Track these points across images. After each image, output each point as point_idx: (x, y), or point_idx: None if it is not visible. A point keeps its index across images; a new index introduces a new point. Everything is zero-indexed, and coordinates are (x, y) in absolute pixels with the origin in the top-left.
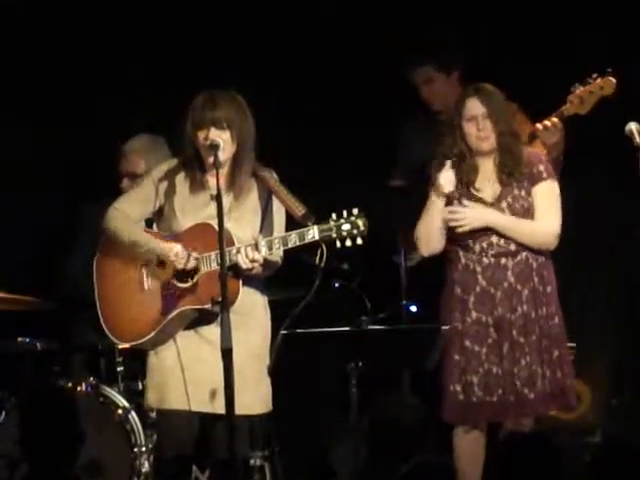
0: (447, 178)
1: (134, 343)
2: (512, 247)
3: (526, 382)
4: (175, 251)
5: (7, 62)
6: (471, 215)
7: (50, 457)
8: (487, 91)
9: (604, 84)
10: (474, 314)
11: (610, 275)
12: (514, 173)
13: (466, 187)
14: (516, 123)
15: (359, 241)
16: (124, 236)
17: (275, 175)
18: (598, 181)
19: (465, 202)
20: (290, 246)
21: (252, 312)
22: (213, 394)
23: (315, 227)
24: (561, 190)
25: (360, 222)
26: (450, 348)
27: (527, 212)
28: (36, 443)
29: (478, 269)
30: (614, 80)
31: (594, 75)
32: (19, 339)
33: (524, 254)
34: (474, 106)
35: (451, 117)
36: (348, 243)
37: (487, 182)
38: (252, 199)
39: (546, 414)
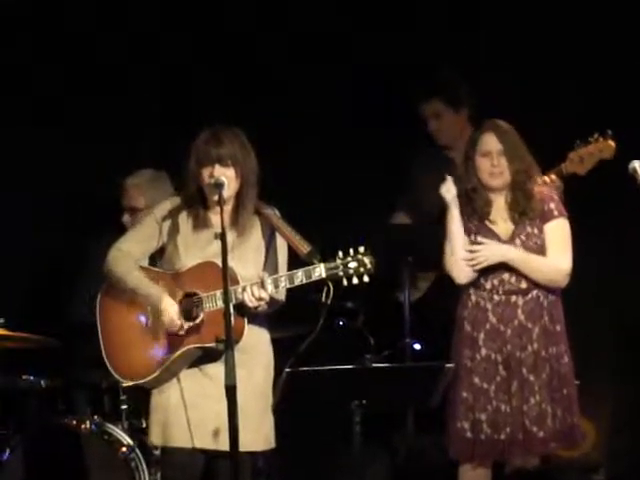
0: (447, 187)
1: (138, 382)
2: (523, 285)
3: (535, 420)
4: (169, 317)
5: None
6: (488, 252)
7: None
8: (504, 128)
9: (604, 147)
10: (483, 351)
11: (615, 314)
12: (526, 211)
13: (480, 220)
14: (531, 161)
15: (366, 279)
16: (124, 280)
17: (278, 212)
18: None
19: (480, 239)
20: (296, 284)
21: (256, 350)
22: (217, 431)
23: (322, 265)
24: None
25: (367, 260)
26: (458, 385)
27: (540, 249)
28: None
29: (488, 306)
30: (614, 144)
31: (595, 135)
32: (23, 377)
33: (535, 292)
34: (490, 141)
35: (466, 150)
36: (355, 281)
37: (500, 218)
38: (255, 237)
39: (554, 452)
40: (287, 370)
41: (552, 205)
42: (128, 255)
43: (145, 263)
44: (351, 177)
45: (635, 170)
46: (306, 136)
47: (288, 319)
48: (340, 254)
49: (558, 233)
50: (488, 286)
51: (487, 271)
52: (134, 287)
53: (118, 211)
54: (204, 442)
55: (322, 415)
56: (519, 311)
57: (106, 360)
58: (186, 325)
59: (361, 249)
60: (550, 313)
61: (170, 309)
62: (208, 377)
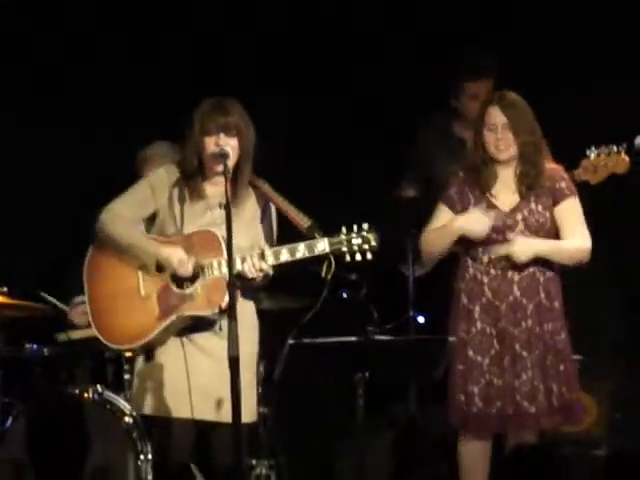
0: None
1: (127, 347)
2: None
3: (526, 396)
4: (179, 257)
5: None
6: (519, 249)
7: (56, 464)
8: (510, 100)
9: (619, 162)
10: (479, 324)
11: (621, 290)
12: (535, 185)
13: (482, 193)
14: (540, 134)
15: (369, 256)
16: (121, 239)
17: (268, 185)
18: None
19: (510, 235)
20: (298, 257)
21: (243, 322)
22: (210, 402)
23: (326, 239)
24: None
25: (371, 237)
26: (455, 357)
27: (542, 227)
28: (43, 449)
29: (485, 280)
30: (628, 160)
31: (611, 145)
32: (26, 345)
33: (531, 269)
34: (495, 115)
35: (475, 124)
36: (358, 257)
37: (505, 191)
38: (250, 209)
39: (552, 428)
40: (290, 342)
41: (563, 184)
42: (120, 216)
43: (138, 226)
44: (358, 148)
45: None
46: (315, 106)
47: (291, 290)
48: (344, 230)
49: (573, 213)
50: (485, 260)
51: (485, 245)
52: (129, 243)
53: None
54: (203, 413)
55: (325, 387)
56: (515, 287)
57: (93, 324)
58: (178, 294)
59: (365, 226)
60: (547, 289)
61: (174, 253)
62: (202, 348)
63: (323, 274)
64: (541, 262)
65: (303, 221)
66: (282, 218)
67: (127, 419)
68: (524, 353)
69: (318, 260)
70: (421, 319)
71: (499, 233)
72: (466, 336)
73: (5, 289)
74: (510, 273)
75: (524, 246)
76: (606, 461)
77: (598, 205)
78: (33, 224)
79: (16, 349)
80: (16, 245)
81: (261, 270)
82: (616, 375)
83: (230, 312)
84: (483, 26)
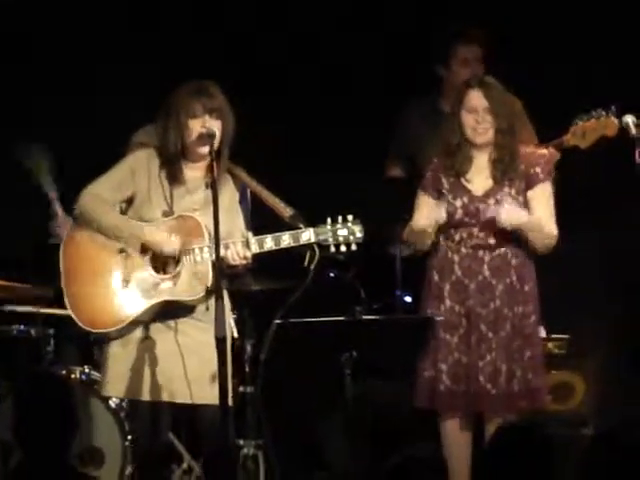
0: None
1: (103, 331)
2: (491, 240)
3: (489, 378)
4: (164, 236)
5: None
6: (506, 216)
7: (44, 444)
8: (491, 85)
9: (608, 124)
10: (448, 302)
11: (608, 268)
12: (508, 170)
13: (456, 176)
14: (517, 120)
15: (353, 247)
16: (102, 220)
17: (246, 173)
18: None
19: (499, 197)
20: (282, 246)
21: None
22: (183, 384)
23: (311, 230)
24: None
25: (357, 229)
26: (425, 335)
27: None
28: (30, 430)
29: (455, 258)
30: (617, 122)
31: (599, 110)
32: (13, 326)
33: (503, 249)
34: (476, 98)
35: (452, 105)
36: (342, 248)
37: (479, 175)
38: (227, 195)
39: (512, 413)
40: (276, 322)
41: (538, 169)
42: (99, 197)
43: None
44: (344, 131)
45: (628, 124)
46: (303, 83)
47: (278, 271)
48: (329, 220)
49: (544, 199)
50: (457, 238)
51: (458, 225)
52: (111, 225)
53: None
54: (161, 395)
55: (312, 367)
56: (485, 267)
57: (69, 307)
58: (160, 277)
59: (350, 217)
60: (519, 272)
61: (158, 232)
62: (177, 332)
63: (306, 263)
64: (514, 243)
65: (285, 210)
66: (261, 205)
67: (114, 399)
68: (490, 334)
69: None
70: (408, 298)
71: (472, 217)
72: (438, 316)
73: None
74: (481, 252)
75: (512, 213)
76: (593, 440)
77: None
78: (21, 206)
79: (3, 329)
80: (4, 227)
81: (244, 258)
82: (603, 353)
83: (217, 292)
84: None
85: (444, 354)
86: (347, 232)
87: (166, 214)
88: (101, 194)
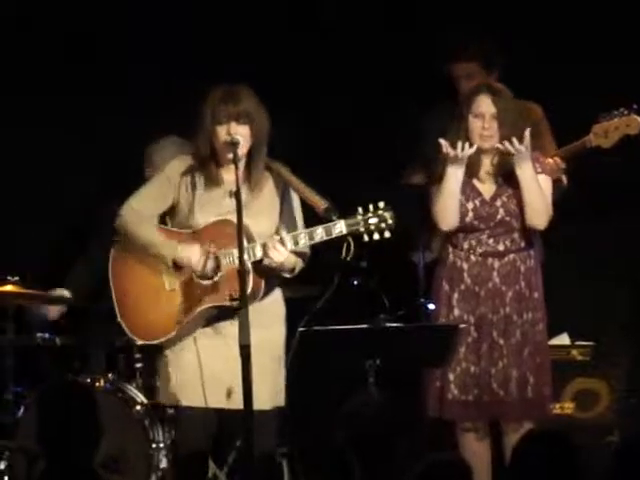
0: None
1: (156, 341)
2: (500, 247)
3: (501, 384)
4: (196, 259)
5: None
6: (518, 156)
7: (68, 453)
8: (499, 91)
9: (630, 122)
10: (457, 311)
11: (632, 274)
12: (512, 176)
13: (469, 177)
14: (527, 127)
15: (387, 234)
16: (138, 237)
17: (288, 169)
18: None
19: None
20: (316, 240)
21: (271, 309)
22: (230, 390)
23: (342, 221)
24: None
25: (387, 215)
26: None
27: (521, 213)
28: (54, 439)
29: (465, 266)
30: (639, 119)
31: (621, 109)
32: (38, 334)
33: (512, 256)
34: (484, 103)
35: (459, 108)
36: (376, 237)
37: (488, 179)
38: (268, 193)
39: (528, 420)
40: (301, 330)
41: (537, 165)
42: (140, 213)
43: (156, 222)
44: (364, 136)
45: None
46: (322, 95)
47: (302, 279)
48: (360, 210)
49: (543, 183)
50: (466, 246)
51: (466, 231)
52: (147, 243)
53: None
54: (218, 402)
55: (336, 374)
56: (494, 273)
57: (121, 321)
58: (201, 286)
59: (381, 204)
60: (527, 279)
61: (190, 252)
62: (224, 336)
63: (343, 255)
64: (523, 250)
65: (320, 203)
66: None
67: (138, 408)
68: (501, 341)
69: (333, 245)
70: (431, 306)
71: (481, 221)
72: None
73: (17, 278)
74: (490, 260)
75: (524, 158)
76: (619, 447)
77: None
78: (45, 214)
79: (28, 338)
80: (28, 234)
81: (282, 255)
82: (627, 360)
83: (241, 300)
84: None
85: (452, 364)
86: (378, 220)
87: (207, 219)
88: (139, 208)
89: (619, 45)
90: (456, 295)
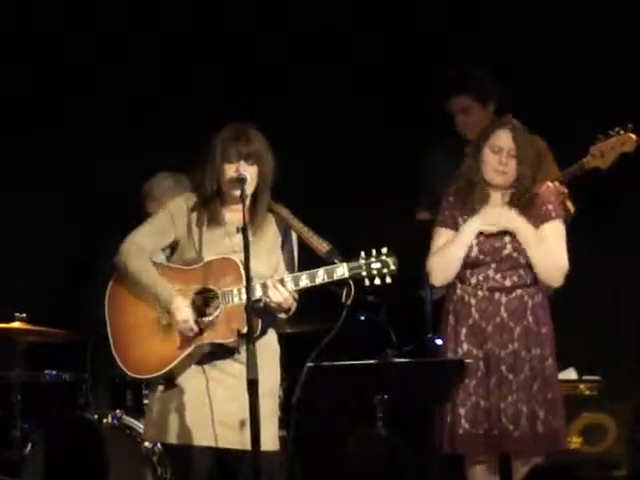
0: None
1: (148, 376)
2: (507, 283)
3: (511, 419)
4: (184, 317)
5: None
6: (496, 215)
7: None
8: (519, 128)
9: (625, 140)
10: (465, 346)
11: (635, 306)
12: (524, 213)
13: (473, 213)
14: (539, 162)
15: (388, 280)
16: (137, 275)
17: (289, 212)
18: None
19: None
20: (317, 283)
21: (265, 349)
22: (234, 429)
23: (345, 264)
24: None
25: (390, 261)
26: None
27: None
28: (62, 475)
29: (472, 301)
30: (634, 137)
31: (616, 128)
32: (46, 371)
33: (519, 291)
34: (504, 138)
35: (476, 141)
36: (377, 282)
37: None
38: (270, 234)
39: (538, 455)
40: (309, 365)
41: (550, 207)
42: (141, 248)
43: (160, 258)
44: (374, 172)
45: None
46: (330, 129)
47: (309, 313)
48: (363, 254)
49: (556, 234)
50: (473, 281)
51: (473, 266)
52: (146, 284)
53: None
54: (226, 441)
55: (344, 409)
56: (502, 309)
57: (115, 354)
58: (200, 323)
59: (384, 250)
60: (535, 314)
61: (182, 310)
62: (221, 375)
63: (343, 299)
64: (530, 285)
65: (322, 246)
66: (302, 242)
67: (146, 444)
68: (510, 376)
69: (338, 284)
70: (439, 341)
71: (487, 255)
72: (453, 357)
73: (24, 315)
74: (497, 295)
75: (507, 216)
76: None
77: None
78: (52, 251)
79: (35, 375)
80: (34, 272)
81: (282, 296)
82: (634, 394)
83: (249, 335)
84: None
85: (462, 398)
86: (380, 265)
87: (207, 256)
88: (141, 243)
89: (613, 66)
90: (464, 330)
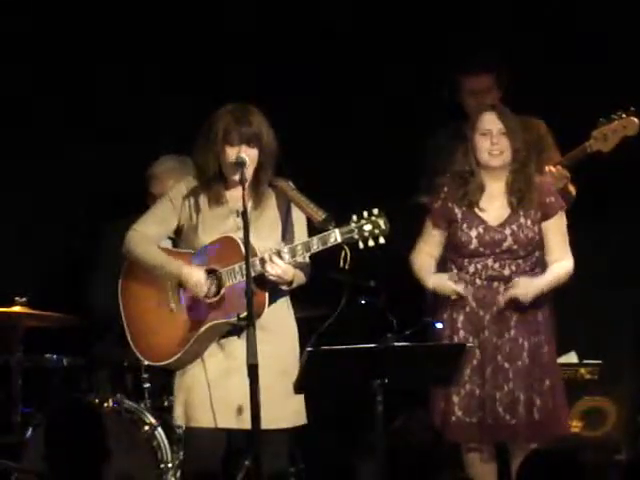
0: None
1: (165, 363)
2: (506, 272)
3: (507, 408)
4: (196, 279)
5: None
6: (523, 291)
7: (77, 473)
8: (504, 109)
9: (627, 124)
10: (461, 333)
11: (634, 293)
12: (524, 199)
13: (469, 206)
14: (536, 144)
15: (381, 240)
16: (144, 259)
17: (292, 184)
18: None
19: (515, 280)
20: (313, 251)
21: (281, 327)
22: (240, 410)
23: (337, 230)
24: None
25: (381, 221)
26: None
27: (530, 242)
28: (63, 459)
29: (470, 290)
30: (637, 120)
31: (618, 112)
32: (46, 355)
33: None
34: (490, 120)
35: (465, 131)
36: (371, 243)
37: (492, 204)
38: (271, 210)
39: (535, 443)
40: (308, 349)
41: (552, 198)
42: (145, 236)
43: (164, 244)
44: (371, 156)
45: None
46: (327, 114)
47: (310, 299)
48: (354, 217)
49: (560, 230)
50: (471, 270)
51: (472, 256)
52: (153, 265)
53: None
54: (227, 421)
55: (344, 394)
56: (499, 297)
57: (132, 344)
58: (205, 303)
59: (375, 211)
60: (533, 302)
61: (193, 274)
62: (231, 355)
63: (341, 264)
64: (527, 273)
65: (318, 214)
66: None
67: (147, 427)
68: (506, 364)
69: (338, 271)
70: (439, 325)
71: (487, 247)
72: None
73: (25, 299)
74: (496, 284)
75: (528, 287)
76: (626, 466)
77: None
78: (52, 234)
79: (36, 359)
80: (35, 256)
81: (280, 268)
82: (635, 378)
83: (249, 319)
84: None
85: (456, 386)
86: (372, 226)
87: (210, 238)
88: (146, 231)
89: (616, 48)
90: (461, 317)
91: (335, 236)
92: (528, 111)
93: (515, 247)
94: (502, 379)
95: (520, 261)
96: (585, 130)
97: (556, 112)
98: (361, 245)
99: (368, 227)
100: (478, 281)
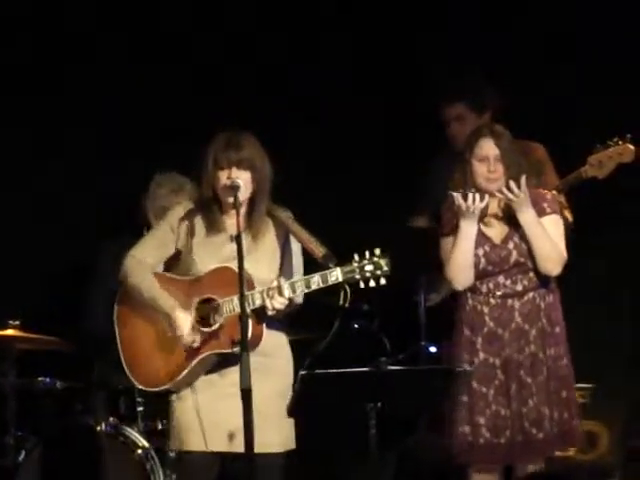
0: (471, 200)
1: (159, 389)
2: (519, 287)
3: (534, 422)
4: (182, 332)
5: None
6: (521, 197)
7: None
8: (501, 133)
9: (623, 151)
10: (482, 355)
11: (631, 315)
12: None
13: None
14: (539, 173)
15: (382, 281)
16: (139, 289)
17: (291, 215)
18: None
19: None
20: (313, 288)
21: (276, 353)
22: (232, 434)
23: (338, 269)
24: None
25: (383, 262)
26: (459, 389)
27: (532, 253)
28: None
29: (485, 310)
30: (633, 148)
31: (615, 139)
32: (39, 378)
33: (531, 294)
34: (487, 146)
35: (462, 154)
36: (372, 284)
37: (493, 221)
38: (269, 240)
39: (552, 455)
40: (302, 373)
41: (545, 204)
42: (143, 262)
43: (160, 269)
44: (370, 179)
45: None
46: (326, 135)
47: (303, 322)
48: (356, 257)
49: (553, 227)
50: (484, 290)
51: (483, 277)
52: (149, 298)
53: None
54: (219, 445)
55: (337, 418)
56: (516, 314)
57: (127, 369)
58: (203, 333)
59: (377, 251)
60: (548, 315)
61: (183, 324)
62: (226, 381)
63: (340, 302)
64: (541, 287)
65: (319, 250)
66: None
67: (140, 451)
68: (528, 379)
69: (329, 295)
70: (433, 349)
71: (495, 265)
72: (469, 367)
73: (18, 322)
74: (510, 301)
75: (523, 203)
76: None
77: None
78: (45, 257)
79: (29, 382)
80: (29, 278)
81: (279, 304)
82: (627, 402)
83: (242, 344)
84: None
85: (481, 407)
86: (373, 267)
87: (208, 264)
88: (143, 257)
89: (615, 77)
90: (480, 339)
91: (337, 275)
92: (528, 136)
93: (522, 260)
94: (526, 394)
95: (531, 274)
96: (580, 156)
97: (552, 136)
98: (362, 285)
99: (370, 267)
100: (492, 300)
